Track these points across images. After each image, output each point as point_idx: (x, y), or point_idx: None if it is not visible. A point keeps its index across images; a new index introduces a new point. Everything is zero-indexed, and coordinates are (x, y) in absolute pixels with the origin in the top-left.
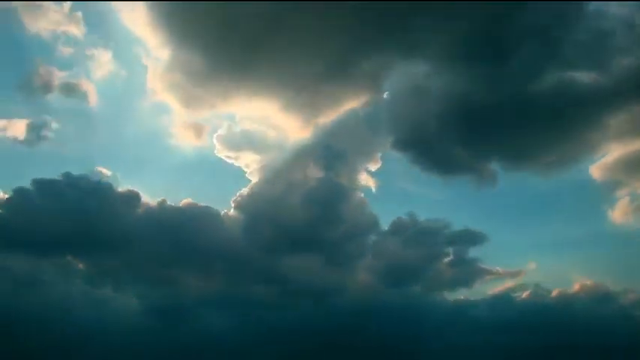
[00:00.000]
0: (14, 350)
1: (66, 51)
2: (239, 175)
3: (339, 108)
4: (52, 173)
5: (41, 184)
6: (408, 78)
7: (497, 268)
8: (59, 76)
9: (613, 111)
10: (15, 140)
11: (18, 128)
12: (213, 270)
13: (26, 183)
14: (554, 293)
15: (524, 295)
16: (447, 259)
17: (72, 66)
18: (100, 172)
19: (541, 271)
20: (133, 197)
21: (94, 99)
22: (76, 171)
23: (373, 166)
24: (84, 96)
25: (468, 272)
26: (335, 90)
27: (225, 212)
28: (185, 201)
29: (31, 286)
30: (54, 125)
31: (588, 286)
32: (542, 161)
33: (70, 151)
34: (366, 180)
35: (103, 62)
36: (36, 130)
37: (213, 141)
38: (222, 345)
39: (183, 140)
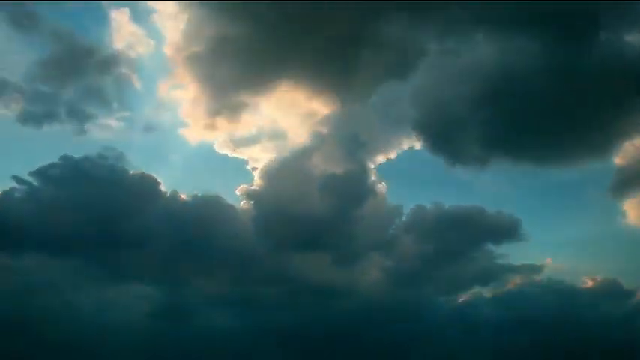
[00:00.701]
0: (17, 350)
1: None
2: (252, 167)
3: (368, 93)
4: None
5: (39, 174)
6: (441, 56)
7: (515, 263)
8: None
9: None
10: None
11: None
12: (222, 267)
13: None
14: (572, 289)
15: (542, 291)
16: (465, 254)
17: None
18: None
19: (559, 267)
20: (149, 184)
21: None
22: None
23: (393, 156)
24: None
25: (485, 268)
26: (367, 73)
27: (233, 205)
28: (195, 193)
29: (33, 285)
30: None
31: (607, 284)
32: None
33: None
34: (384, 170)
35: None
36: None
37: (229, 129)
38: (230, 345)
39: (196, 126)
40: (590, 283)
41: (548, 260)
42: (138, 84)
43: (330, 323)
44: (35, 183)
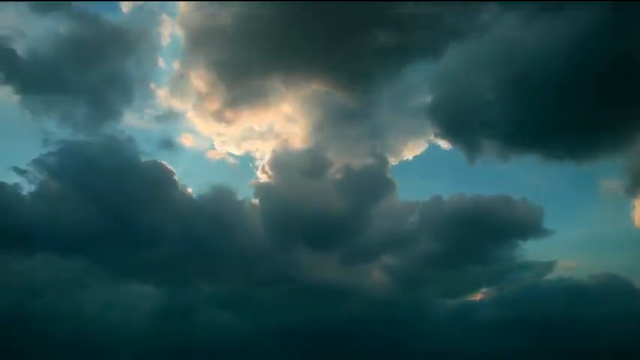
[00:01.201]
0: (19, 350)
1: None
2: (262, 161)
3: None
4: None
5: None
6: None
7: (524, 261)
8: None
9: None
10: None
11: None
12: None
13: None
14: (583, 287)
15: (553, 290)
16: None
17: None
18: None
19: (570, 264)
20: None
21: None
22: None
23: (411, 151)
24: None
25: (500, 266)
26: (386, 62)
27: (243, 201)
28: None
29: (35, 284)
30: None
31: (616, 281)
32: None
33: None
34: (402, 166)
35: None
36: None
37: (240, 120)
38: (234, 344)
39: (207, 114)
40: (600, 281)
41: (559, 258)
42: (149, 66)
43: (336, 323)
44: (35, 172)
